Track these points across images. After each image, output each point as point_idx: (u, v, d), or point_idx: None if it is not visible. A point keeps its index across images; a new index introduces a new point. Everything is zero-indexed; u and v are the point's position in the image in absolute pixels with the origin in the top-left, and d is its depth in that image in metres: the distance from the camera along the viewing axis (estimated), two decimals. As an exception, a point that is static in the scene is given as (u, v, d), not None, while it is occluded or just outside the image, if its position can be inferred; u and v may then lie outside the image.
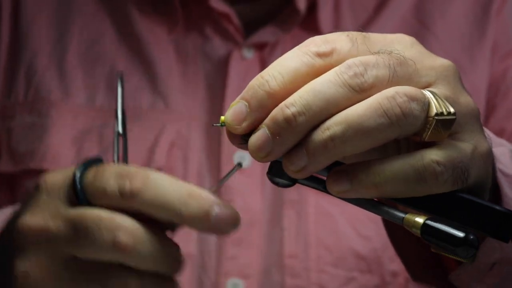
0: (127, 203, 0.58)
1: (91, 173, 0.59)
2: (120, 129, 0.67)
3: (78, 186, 0.59)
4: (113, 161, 0.64)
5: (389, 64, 0.59)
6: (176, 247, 0.59)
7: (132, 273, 0.58)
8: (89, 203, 0.59)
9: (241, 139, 0.61)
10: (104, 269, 0.58)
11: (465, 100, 0.62)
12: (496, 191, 0.69)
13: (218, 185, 0.62)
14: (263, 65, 1.05)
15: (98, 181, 0.58)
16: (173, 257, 0.59)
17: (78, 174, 0.60)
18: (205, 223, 0.57)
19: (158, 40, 1.06)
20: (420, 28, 1.08)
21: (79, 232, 0.57)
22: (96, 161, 0.62)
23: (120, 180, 0.58)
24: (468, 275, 0.71)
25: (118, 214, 0.58)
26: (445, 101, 0.59)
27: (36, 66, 1.05)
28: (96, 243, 0.57)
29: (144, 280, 0.58)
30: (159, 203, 0.57)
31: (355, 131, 0.57)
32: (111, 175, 0.58)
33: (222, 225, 0.57)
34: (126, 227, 0.57)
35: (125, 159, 0.66)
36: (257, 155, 0.59)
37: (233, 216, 0.58)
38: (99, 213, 0.58)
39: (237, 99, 0.60)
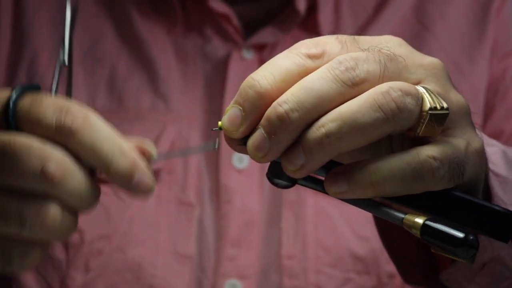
0: (61, 138, 0.58)
1: (27, 100, 0.59)
2: (65, 59, 0.65)
3: (11, 110, 0.59)
4: (50, 92, 0.63)
5: (380, 60, 0.59)
6: (98, 188, 0.61)
7: (53, 203, 0.59)
8: (18, 130, 0.59)
9: (239, 142, 0.61)
10: (20, 197, 0.59)
11: (456, 97, 0.63)
12: (487, 191, 0.69)
13: (166, 155, 0.64)
14: (263, 65, 1.05)
15: (35, 110, 0.59)
16: (94, 196, 0.60)
17: (13, 97, 0.59)
18: (125, 182, 0.59)
19: (158, 41, 1.06)
20: (420, 28, 1.08)
21: (6, 157, 0.58)
22: (34, 88, 0.61)
23: (59, 114, 0.58)
24: (459, 275, 0.72)
25: (49, 145, 0.58)
26: (438, 96, 0.60)
27: (37, 65, 1.05)
28: (23, 171, 0.58)
29: (64, 212, 0.59)
30: (93, 148, 0.58)
31: (351, 127, 0.57)
32: (49, 106, 0.59)
33: (136, 189, 0.60)
34: (57, 158, 0.58)
35: (68, 93, 0.65)
36: (256, 155, 0.59)
37: (149, 186, 0.60)
38: (30, 141, 0.58)
39: (231, 103, 0.60)
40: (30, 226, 0.58)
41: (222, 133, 0.61)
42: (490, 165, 0.69)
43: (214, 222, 1.01)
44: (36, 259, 0.60)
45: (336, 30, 1.06)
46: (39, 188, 0.58)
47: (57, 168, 0.58)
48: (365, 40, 0.62)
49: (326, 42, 0.61)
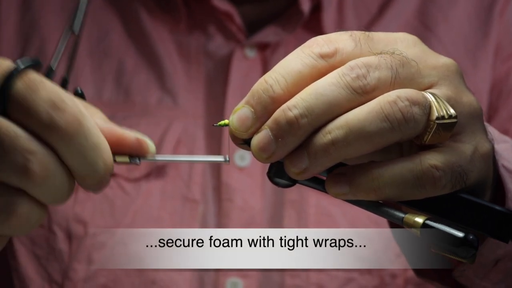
0: (49, 137, 0.55)
1: (23, 83, 0.55)
2: (77, 26, 0.61)
3: (6, 93, 0.54)
4: (50, 64, 0.59)
5: (391, 66, 0.59)
6: (73, 185, 0.58)
7: (24, 198, 0.56)
8: (6, 113, 0.55)
9: (241, 140, 0.61)
10: None
11: (468, 99, 0.62)
12: (499, 187, 0.69)
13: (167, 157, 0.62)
14: (265, 65, 1.05)
15: (29, 99, 0.54)
16: (69, 194, 0.58)
17: (12, 77, 0.54)
18: (91, 188, 0.58)
19: (162, 38, 1.06)
20: (423, 30, 1.08)
21: None
22: (35, 64, 0.56)
23: (53, 110, 0.55)
24: (472, 272, 0.72)
25: (35, 140, 0.55)
26: (446, 104, 0.59)
27: (45, 53, 1.05)
28: (4, 161, 0.54)
29: (33, 208, 0.56)
30: (79, 156, 0.56)
31: (357, 136, 0.57)
32: (44, 98, 0.55)
33: (95, 190, 0.58)
34: (41, 156, 0.55)
35: (70, 64, 0.61)
36: (260, 156, 0.59)
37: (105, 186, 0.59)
38: (17, 131, 0.55)
39: (242, 103, 0.60)
40: None
41: (229, 142, 0.61)
42: (503, 162, 0.69)
43: (216, 220, 1.01)
44: None
45: (339, 30, 1.06)
46: (15, 183, 0.55)
47: (40, 167, 0.55)
48: (379, 37, 0.62)
49: (339, 40, 0.61)
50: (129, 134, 0.59)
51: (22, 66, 0.55)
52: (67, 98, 0.56)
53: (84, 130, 0.56)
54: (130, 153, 0.60)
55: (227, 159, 0.62)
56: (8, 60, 0.56)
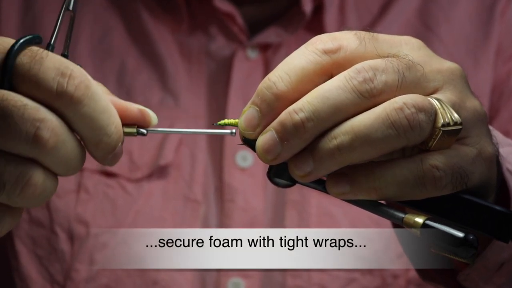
0: (59, 105, 0.56)
1: (26, 56, 0.56)
2: (71, 4, 0.61)
3: (10, 66, 0.55)
4: (50, 42, 0.60)
5: (398, 69, 0.59)
6: (84, 155, 0.58)
7: (38, 168, 0.56)
8: (11, 86, 0.56)
9: (243, 139, 0.61)
10: (1, 159, 0.56)
11: (472, 104, 0.62)
12: (503, 190, 0.69)
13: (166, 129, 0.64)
14: (267, 65, 1.05)
15: (35, 70, 0.55)
16: (81, 164, 0.58)
17: (14, 52, 0.55)
18: (104, 156, 0.58)
19: (164, 38, 1.06)
20: (424, 31, 1.08)
21: None
22: (35, 39, 0.57)
23: (61, 78, 0.56)
24: (477, 275, 0.72)
25: (45, 108, 0.56)
26: (452, 110, 0.60)
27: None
28: (14, 132, 0.55)
29: (47, 178, 0.57)
30: (90, 120, 0.56)
31: (362, 142, 0.58)
32: (51, 67, 0.56)
33: (107, 162, 0.59)
34: (51, 123, 0.55)
35: (67, 42, 0.62)
36: (265, 158, 0.59)
37: (118, 158, 0.59)
38: (24, 101, 0.55)
39: (248, 104, 0.60)
40: (9, 192, 0.55)
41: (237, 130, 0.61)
42: (508, 165, 0.69)
43: (218, 221, 1.02)
44: (7, 226, 0.58)
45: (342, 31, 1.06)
46: (27, 152, 0.56)
47: (50, 134, 0.55)
48: (384, 38, 0.62)
49: (343, 37, 0.61)
50: (132, 105, 0.60)
51: (22, 41, 0.56)
52: (73, 65, 0.57)
53: (92, 93, 0.56)
54: (135, 124, 0.61)
55: (234, 132, 0.62)
56: (9, 38, 0.57)
